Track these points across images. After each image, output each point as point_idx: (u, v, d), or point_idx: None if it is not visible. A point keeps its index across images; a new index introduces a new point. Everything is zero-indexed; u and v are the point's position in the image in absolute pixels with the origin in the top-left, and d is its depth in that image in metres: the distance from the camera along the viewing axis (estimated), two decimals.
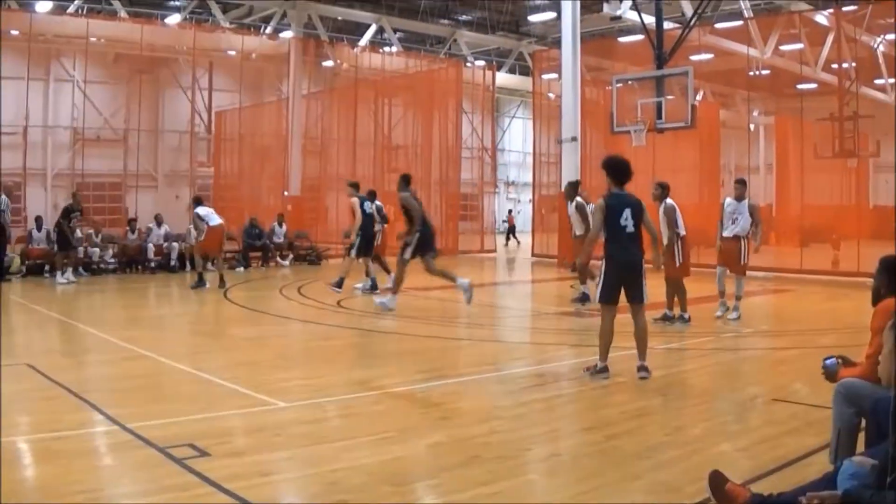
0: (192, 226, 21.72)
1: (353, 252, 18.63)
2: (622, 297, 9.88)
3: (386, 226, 20.81)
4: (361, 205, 18.76)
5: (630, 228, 9.78)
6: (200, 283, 20.17)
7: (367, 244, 18.77)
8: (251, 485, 5.95)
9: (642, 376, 9.69)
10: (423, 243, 15.94)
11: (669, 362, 11.30)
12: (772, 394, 9.04)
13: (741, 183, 15.35)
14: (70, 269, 21.58)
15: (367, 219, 18.75)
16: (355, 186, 19.21)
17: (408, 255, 15.94)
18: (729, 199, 15.23)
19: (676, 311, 14.40)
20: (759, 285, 21.51)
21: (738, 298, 15.05)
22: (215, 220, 20.46)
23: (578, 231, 17.23)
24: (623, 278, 9.80)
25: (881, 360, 5.38)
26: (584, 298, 16.89)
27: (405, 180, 16.82)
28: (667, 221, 14.14)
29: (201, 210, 20.48)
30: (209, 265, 22.54)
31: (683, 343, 12.87)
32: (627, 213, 9.77)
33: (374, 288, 19.00)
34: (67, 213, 21.53)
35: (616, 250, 9.78)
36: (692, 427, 7.79)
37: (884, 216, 34.83)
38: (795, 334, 14.04)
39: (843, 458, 5.16)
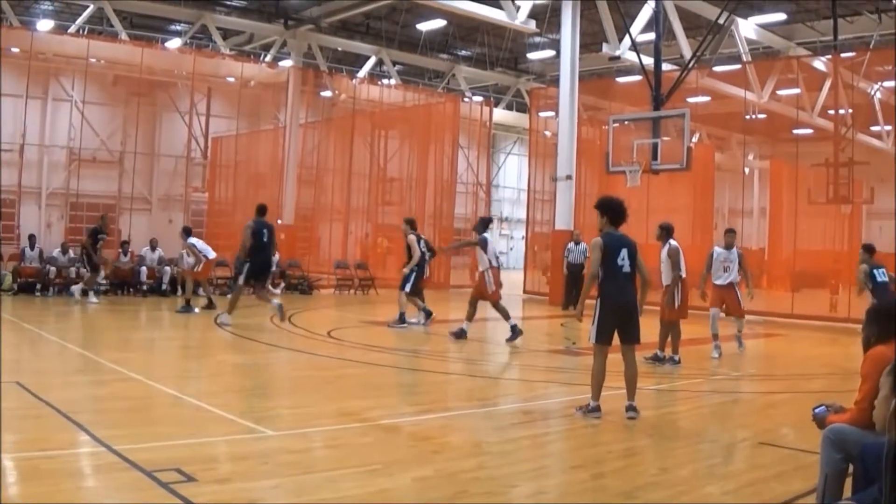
0: (185, 251, 22.02)
1: (408, 287, 19.00)
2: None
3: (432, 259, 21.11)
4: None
5: (626, 269, 9.79)
6: (188, 308, 20.35)
7: (418, 279, 19.35)
8: None
9: (630, 416, 9.71)
10: (255, 271, 18.14)
11: (658, 403, 11.31)
12: (760, 437, 9.04)
13: (732, 232, 15.97)
14: (91, 291, 21.91)
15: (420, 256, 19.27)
16: (412, 224, 19.51)
17: (241, 281, 18.36)
18: (719, 249, 15.82)
19: (667, 352, 14.44)
20: (750, 329, 21.42)
21: (740, 330, 16.12)
22: (212, 253, 21.13)
23: (482, 266, 17.45)
24: (618, 319, 9.80)
25: (877, 405, 5.39)
26: (461, 334, 17.07)
27: (259, 211, 18.81)
28: (671, 263, 14.30)
29: (197, 242, 21.16)
30: (200, 290, 22.68)
31: (673, 384, 12.87)
32: (624, 252, 9.78)
33: (428, 317, 19.30)
34: (95, 235, 21.78)
35: (613, 291, 9.77)
36: (679, 468, 7.78)
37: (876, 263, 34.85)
38: (785, 378, 14.06)
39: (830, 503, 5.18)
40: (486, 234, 17.53)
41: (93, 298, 21.79)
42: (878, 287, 15.67)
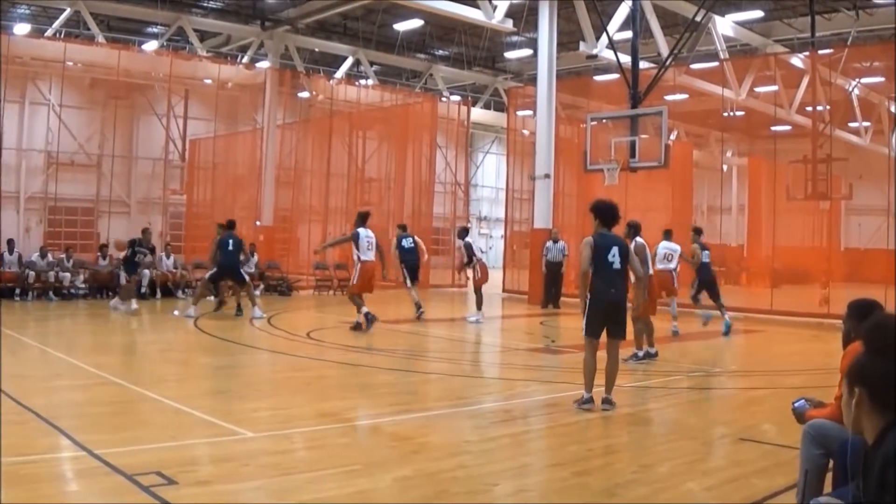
0: (163, 254, 22.08)
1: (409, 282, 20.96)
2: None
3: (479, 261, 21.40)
4: (400, 241, 21.10)
5: (617, 265, 10.14)
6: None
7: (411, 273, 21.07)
8: None
9: (605, 409, 9.91)
10: (220, 272, 20.40)
11: (638, 400, 11.33)
12: (740, 433, 9.07)
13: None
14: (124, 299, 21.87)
15: (405, 252, 20.97)
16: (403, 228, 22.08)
17: (206, 277, 20.88)
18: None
19: (645, 346, 14.48)
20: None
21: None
22: None
23: (354, 259, 18.44)
24: (608, 314, 10.08)
25: (843, 408, 5.41)
26: (357, 326, 17.84)
27: (228, 226, 20.94)
28: (639, 260, 14.38)
29: None
30: (180, 293, 22.61)
31: (652, 381, 12.90)
32: (615, 250, 10.15)
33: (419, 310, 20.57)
34: (132, 246, 21.75)
35: (603, 287, 10.07)
36: (660, 465, 7.79)
37: (855, 259, 35.18)
38: (765, 375, 14.09)
39: (811, 499, 5.18)
40: (358, 230, 18.15)
41: (120, 306, 21.54)
42: (702, 266, 18.37)
